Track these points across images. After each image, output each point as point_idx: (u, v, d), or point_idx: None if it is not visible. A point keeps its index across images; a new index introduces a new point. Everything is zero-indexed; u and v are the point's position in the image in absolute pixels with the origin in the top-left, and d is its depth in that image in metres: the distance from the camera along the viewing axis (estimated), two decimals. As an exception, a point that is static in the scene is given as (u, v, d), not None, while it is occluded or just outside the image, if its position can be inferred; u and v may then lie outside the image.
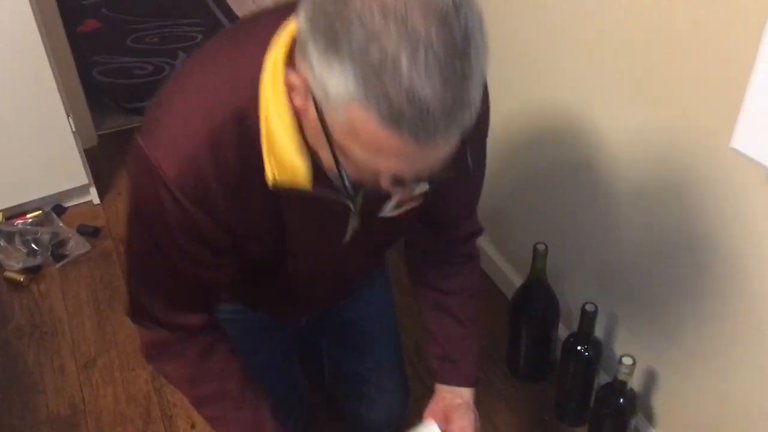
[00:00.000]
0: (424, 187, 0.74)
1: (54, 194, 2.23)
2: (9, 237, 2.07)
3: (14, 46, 1.93)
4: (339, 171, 0.70)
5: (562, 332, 1.63)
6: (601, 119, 1.37)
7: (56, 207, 2.25)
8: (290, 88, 0.71)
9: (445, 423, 1.10)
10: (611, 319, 1.53)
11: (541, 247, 1.49)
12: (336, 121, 0.64)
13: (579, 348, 1.47)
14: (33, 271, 2.06)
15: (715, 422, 1.33)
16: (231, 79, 0.79)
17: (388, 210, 0.79)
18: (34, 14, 1.92)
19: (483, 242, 1.99)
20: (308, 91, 0.66)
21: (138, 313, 0.96)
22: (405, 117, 0.59)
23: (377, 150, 0.64)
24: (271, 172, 0.78)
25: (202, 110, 0.78)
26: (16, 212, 2.19)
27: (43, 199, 2.22)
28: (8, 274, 2.02)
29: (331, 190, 0.78)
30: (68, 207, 2.29)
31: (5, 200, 2.15)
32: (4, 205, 2.16)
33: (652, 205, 1.31)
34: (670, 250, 1.30)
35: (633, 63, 1.24)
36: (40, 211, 2.21)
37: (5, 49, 1.92)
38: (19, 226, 2.11)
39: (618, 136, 1.34)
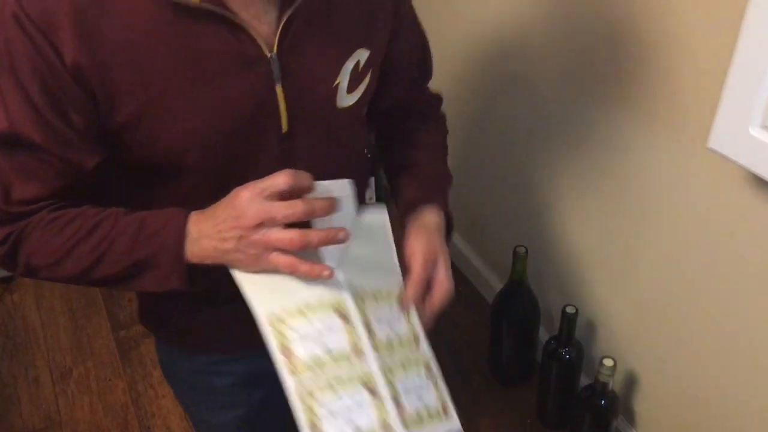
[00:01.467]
0: None
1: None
2: (-19, 247, 2.03)
3: None
4: None
5: (543, 335, 1.63)
6: (577, 120, 1.37)
7: (30, 215, 2.21)
8: None
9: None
10: (592, 321, 1.53)
11: (521, 250, 1.48)
12: None
13: (560, 350, 1.46)
14: (6, 281, 2.02)
15: (696, 423, 1.33)
16: None
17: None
18: None
19: (463, 246, 1.99)
20: None
21: None
22: None
23: None
24: None
25: None
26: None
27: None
28: (-20, 285, 1.99)
29: (220, 6, 0.72)
30: (42, 215, 2.25)
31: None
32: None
33: (632, 207, 1.31)
34: (650, 252, 1.30)
35: (610, 62, 1.24)
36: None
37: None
38: (-8, 235, 2.07)
39: (595, 136, 1.34)
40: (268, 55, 0.79)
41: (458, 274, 2.00)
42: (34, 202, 0.80)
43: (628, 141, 1.26)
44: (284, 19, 0.79)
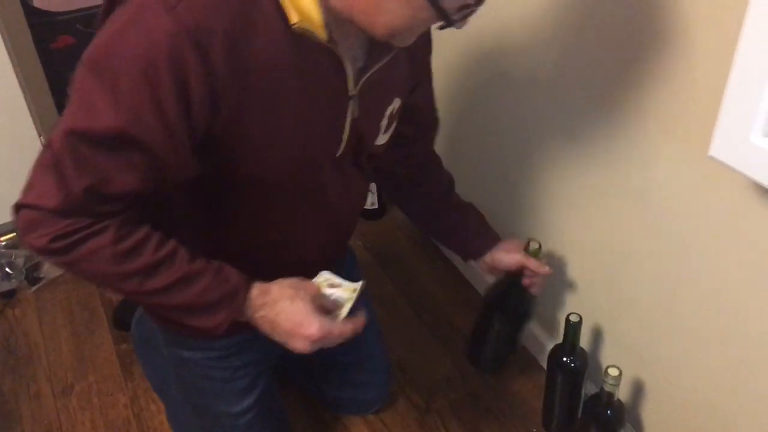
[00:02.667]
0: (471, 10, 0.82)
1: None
2: (-17, 262, 2.03)
3: None
4: (437, 4, 0.77)
5: (549, 343, 1.61)
6: (576, 125, 1.35)
7: (30, 229, 2.20)
8: None
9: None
10: (597, 329, 1.51)
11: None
12: None
13: (564, 359, 1.44)
14: (7, 296, 2.01)
15: (704, 431, 1.31)
16: None
17: (459, 19, 0.82)
18: (1, 34, 1.88)
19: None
20: None
21: (51, 195, 0.85)
22: None
23: None
24: (294, 14, 0.80)
25: None
26: (-11, 236, 2.14)
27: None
28: (-17, 301, 1.98)
29: (336, 48, 0.86)
30: (42, 228, 2.24)
31: (-21, 224, 2.10)
32: (-22, 230, 2.11)
33: (633, 214, 1.29)
34: (653, 259, 1.28)
35: (609, 66, 1.22)
36: (14, 234, 2.15)
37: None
38: (-7, 250, 2.07)
39: (595, 141, 1.32)
40: (350, 93, 0.95)
41: (456, 274, 1.99)
42: (120, 198, 0.87)
43: (628, 147, 1.24)
44: (376, 67, 0.94)
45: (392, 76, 1.03)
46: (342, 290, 1.03)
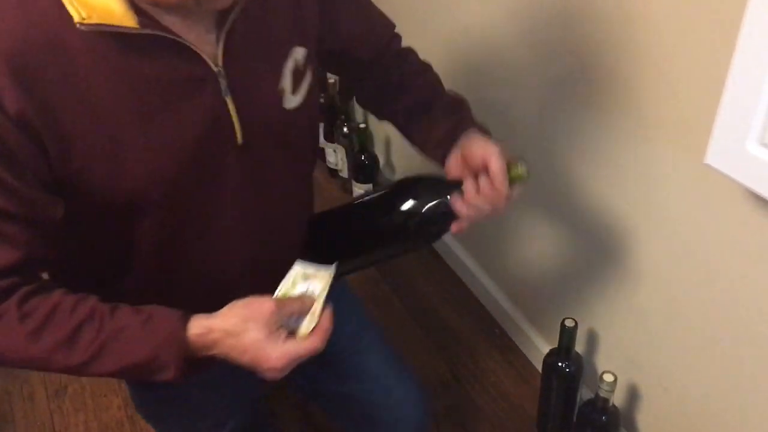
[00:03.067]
0: None
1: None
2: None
3: None
4: None
5: (544, 348, 1.60)
6: (571, 128, 1.35)
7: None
8: None
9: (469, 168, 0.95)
10: (592, 334, 1.50)
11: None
12: None
13: (560, 364, 1.44)
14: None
15: (700, 438, 1.30)
16: None
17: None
18: None
19: (463, 256, 1.96)
20: None
21: None
22: None
23: None
24: (76, 13, 0.68)
25: None
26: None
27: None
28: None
29: (162, 30, 0.72)
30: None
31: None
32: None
33: (629, 219, 1.28)
34: (648, 264, 1.28)
35: (605, 69, 1.21)
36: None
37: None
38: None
39: (591, 145, 1.31)
40: (215, 71, 0.80)
41: (452, 275, 1.98)
42: (6, 274, 0.76)
43: (624, 151, 1.24)
44: (223, 35, 0.79)
45: (273, 27, 0.87)
46: (318, 280, 0.89)
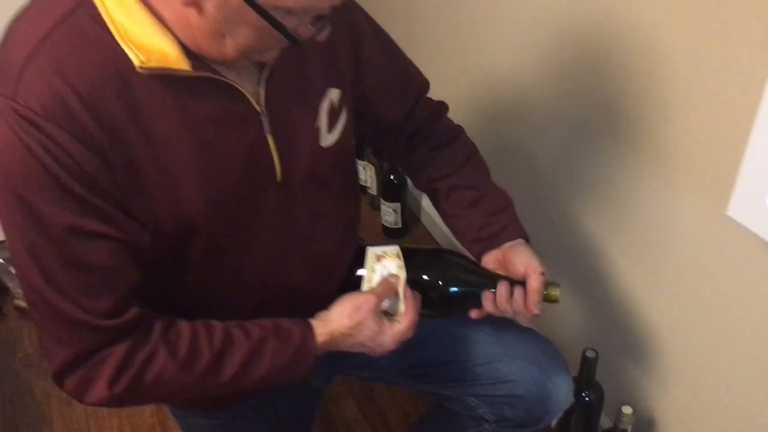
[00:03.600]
0: (328, 25, 0.79)
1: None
2: (19, 265, 2.09)
3: None
4: (281, 26, 0.73)
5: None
6: (593, 173, 1.38)
7: (66, 234, 2.26)
8: None
9: (504, 269, 1.03)
10: (612, 365, 1.53)
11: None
12: None
13: (581, 393, 1.47)
14: (42, 300, 2.07)
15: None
16: (48, 0, 0.77)
17: (316, 34, 0.79)
18: None
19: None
20: None
21: (72, 342, 0.80)
22: None
23: None
24: (136, 57, 0.74)
25: (27, 33, 0.75)
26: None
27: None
28: (18, 302, 2.04)
29: (212, 73, 0.79)
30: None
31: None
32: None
33: (649, 261, 1.31)
34: (667, 304, 1.30)
35: (628, 116, 1.25)
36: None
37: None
38: (29, 253, 2.13)
39: (612, 189, 1.34)
40: (258, 110, 0.86)
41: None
42: (124, 306, 0.82)
43: (646, 197, 1.27)
44: (265, 78, 0.86)
45: (309, 69, 0.93)
46: (388, 259, 1.01)
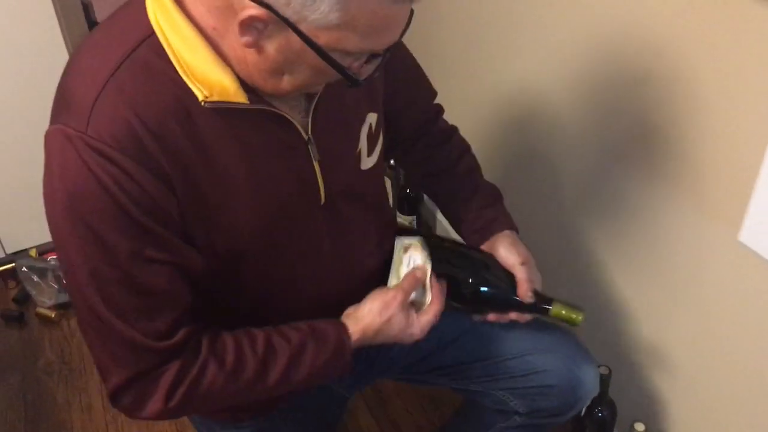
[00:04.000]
0: (380, 59, 0.81)
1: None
2: (42, 273, 2.13)
3: (47, 82, 1.91)
4: (341, 68, 0.77)
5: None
6: (604, 191, 1.39)
7: (87, 242, 2.29)
8: (243, 29, 0.73)
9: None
10: (625, 382, 1.54)
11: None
12: (321, 31, 0.72)
13: (594, 410, 1.48)
14: (64, 307, 2.11)
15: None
16: (114, 33, 0.81)
17: (367, 74, 0.83)
18: (68, 52, 1.95)
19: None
20: (270, 24, 0.72)
21: (130, 362, 0.84)
22: None
23: (376, 30, 0.74)
24: (200, 92, 0.78)
25: (95, 66, 0.78)
26: (48, 248, 2.24)
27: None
28: (40, 310, 2.08)
29: (267, 105, 0.83)
30: (98, 242, 2.32)
31: (38, 236, 2.21)
32: (37, 241, 2.22)
33: (660, 281, 1.33)
34: (678, 326, 1.32)
35: (648, 146, 1.26)
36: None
37: (38, 87, 1.94)
38: (52, 262, 2.17)
39: (624, 208, 1.36)
40: (306, 138, 0.91)
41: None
42: (177, 327, 0.86)
43: (660, 221, 1.28)
44: (312, 107, 0.91)
45: (350, 97, 0.98)
46: (414, 249, 1.07)
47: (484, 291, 1.10)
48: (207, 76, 0.78)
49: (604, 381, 1.43)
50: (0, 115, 1.96)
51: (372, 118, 1.03)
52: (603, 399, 1.47)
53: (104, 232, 0.77)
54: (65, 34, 1.93)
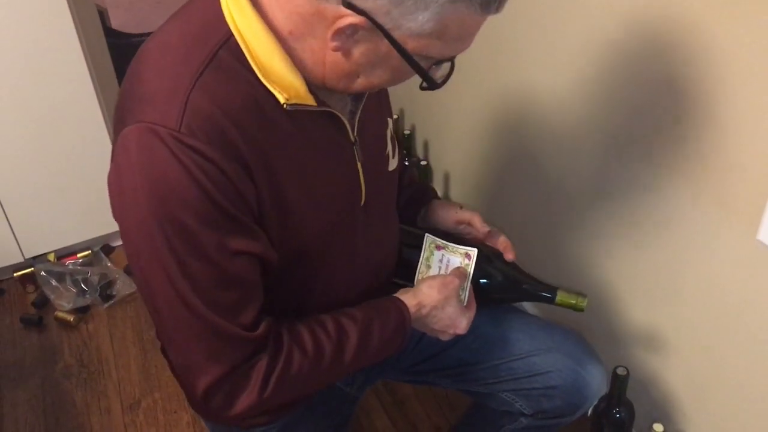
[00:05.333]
0: (451, 62, 0.84)
1: (103, 235, 2.27)
2: (60, 277, 2.16)
3: (65, 87, 1.97)
4: (424, 72, 0.81)
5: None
6: (621, 186, 1.39)
7: (105, 247, 2.32)
8: (335, 33, 0.76)
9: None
10: (643, 382, 1.54)
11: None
12: (411, 38, 0.76)
13: (612, 411, 1.48)
14: (82, 311, 2.14)
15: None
16: (191, 33, 0.83)
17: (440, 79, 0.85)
18: (85, 57, 1.96)
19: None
20: (362, 30, 0.75)
21: (226, 356, 0.86)
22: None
23: (460, 38, 0.79)
24: (281, 95, 0.81)
25: (178, 67, 0.80)
26: (66, 252, 2.27)
27: (92, 239, 2.28)
28: (59, 314, 2.10)
29: (328, 107, 0.87)
30: (116, 246, 2.35)
31: (56, 241, 2.23)
32: (55, 246, 2.24)
33: (682, 280, 1.32)
34: (694, 325, 1.31)
35: (665, 144, 1.26)
36: (90, 251, 2.29)
37: (56, 92, 1.98)
38: (70, 266, 2.19)
39: (643, 207, 1.36)
40: (353, 140, 0.95)
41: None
42: (261, 318, 0.89)
43: (677, 220, 1.28)
44: (359, 110, 0.95)
45: (377, 102, 1.04)
46: (449, 251, 1.13)
47: (485, 283, 1.13)
48: (283, 79, 0.81)
49: (622, 382, 1.43)
50: (19, 123, 1.97)
51: (390, 122, 1.09)
52: (621, 400, 1.46)
53: (194, 225, 0.79)
54: (82, 41, 1.94)
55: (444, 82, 0.85)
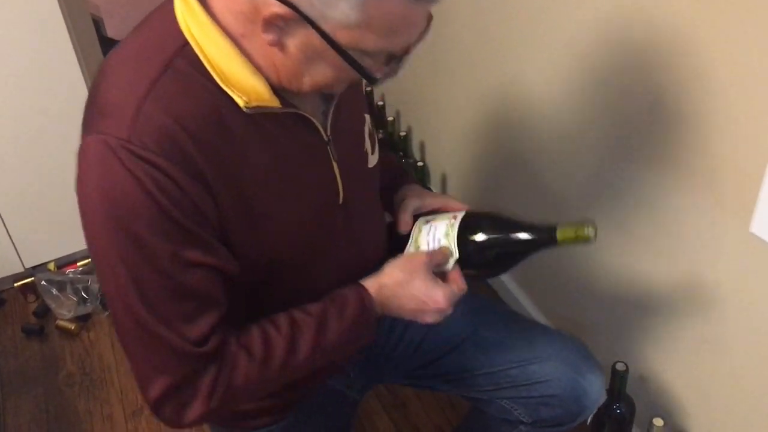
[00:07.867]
0: (406, 60, 0.83)
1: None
2: (61, 286, 2.16)
3: (61, 96, 1.95)
4: (360, 66, 0.79)
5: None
6: (615, 178, 1.39)
7: (105, 255, 2.31)
8: (265, 27, 0.76)
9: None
10: (643, 377, 1.54)
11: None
12: (341, 30, 0.74)
13: (612, 406, 1.48)
14: (83, 320, 2.14)
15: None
16: (148, 44, 0.83)
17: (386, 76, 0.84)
18: (80, 66, 1.97)
19: (516, 292, 2.01)
20: (292, 22, 0.74)
21: (170, 369, 0.85)
22: None
23: (393, 30, 0.76)
24: (240, 99, 0.81)
25: (132, 77, 0.80)
26: (66, 261, 2.27)
27: (92, 247, 2.28)
28: (60, 323, 2.11)
29: (295, 108, 0.86)
30: (116, 254, 2.34)
31: (57, 250, 2.24)
32: (55, 255, 2.24)
33: (677, 272, 1.32)
34: (699, 316, 1.32)
35: (658, 138, 1.26)
36: (90, 259, 2.29)
37: (52, 101, 1.97)
38: (70, 275, 2.19)
39: (644, 203, 1.36)
40: (326, 139, 0.94)
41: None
42: (213, 332, 0.87)
43: (672, 213, 1.29)
44: (332, 109, 0.94)
45: (352, 99, 1.02)
46: (437, 221, 1.04)
47: (476, 241, 1.00)
48: (242, 82, 0.81)
49: (622, 377, 1.43)
50: (16, 131, 1.98)
51: (368, 119, 1.08)
52: (621, 395, 1.46)
53: (146, 237, 0.79)
54: (77, 50, 1.95)
55: (386, 78, 0.83)
